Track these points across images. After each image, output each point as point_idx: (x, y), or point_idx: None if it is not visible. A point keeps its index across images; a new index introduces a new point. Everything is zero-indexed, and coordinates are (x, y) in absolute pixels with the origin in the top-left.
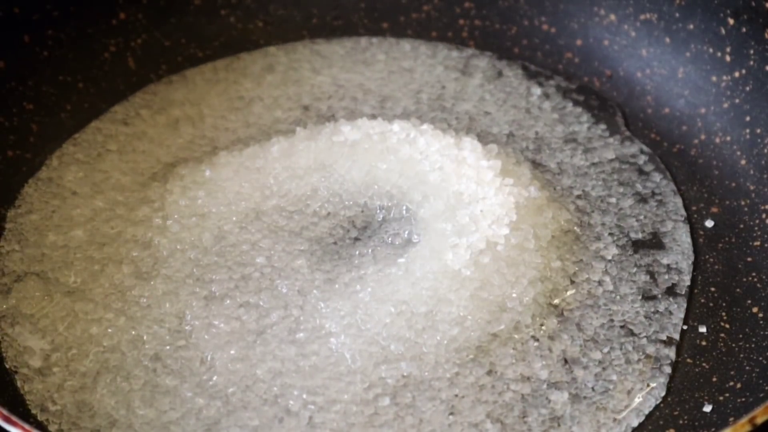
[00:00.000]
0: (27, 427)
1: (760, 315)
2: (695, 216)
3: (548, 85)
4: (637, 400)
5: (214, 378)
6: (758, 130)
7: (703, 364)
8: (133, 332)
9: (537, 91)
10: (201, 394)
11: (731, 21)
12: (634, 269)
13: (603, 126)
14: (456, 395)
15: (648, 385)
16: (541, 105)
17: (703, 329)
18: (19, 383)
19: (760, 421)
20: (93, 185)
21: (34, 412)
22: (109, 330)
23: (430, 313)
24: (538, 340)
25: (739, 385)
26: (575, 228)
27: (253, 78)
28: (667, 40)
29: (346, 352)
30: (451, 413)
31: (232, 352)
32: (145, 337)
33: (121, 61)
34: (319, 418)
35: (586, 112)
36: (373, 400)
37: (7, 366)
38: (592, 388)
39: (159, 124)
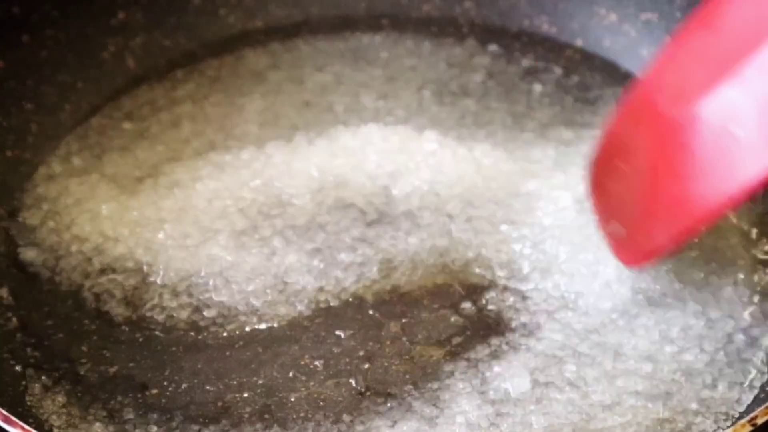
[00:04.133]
0: (26, 427)
1: None
2: None
3: (549, 82)
4: None
5: None
6: None
7: None
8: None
9: (538, 88)
10: None
11: None
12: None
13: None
14: None
15: None
16: (542, 101)
17: None
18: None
19: (760, 421)
20: (92, 185)
21: (34, 411)
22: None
23: None
24: None
25: None
26: None
27: (255, 75)
28: (668, 39)
29: None
30: None
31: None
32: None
33: (121, 61)
34: None
35: (587, 108)
36: None
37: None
38: None
39: (159, 123)
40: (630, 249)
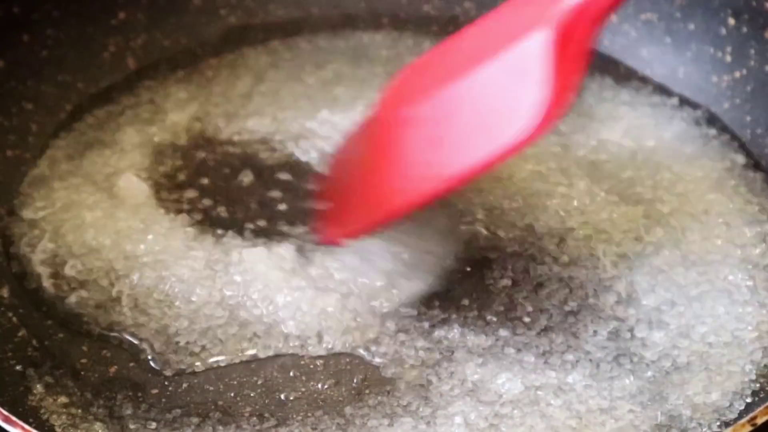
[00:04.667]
0: (27, 427)
1: None
2: None
3: None
4: None
5: None
6: (759, 131)
7: None
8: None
9: None
10: None
11: (732, 21)
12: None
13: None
14: None
15: None
16: None
17: None
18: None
19: (760, 421)
20: (87, 186)
21: (35, 411)
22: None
23: None
24: None
25: None
26: None
27: (256, 74)
28: (668, 39)
29: None
30: None
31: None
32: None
33: (121, 61)
34: None
35: (586, 104)
36: None
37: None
38: None
39: (159, 123)
40: (332, 229)
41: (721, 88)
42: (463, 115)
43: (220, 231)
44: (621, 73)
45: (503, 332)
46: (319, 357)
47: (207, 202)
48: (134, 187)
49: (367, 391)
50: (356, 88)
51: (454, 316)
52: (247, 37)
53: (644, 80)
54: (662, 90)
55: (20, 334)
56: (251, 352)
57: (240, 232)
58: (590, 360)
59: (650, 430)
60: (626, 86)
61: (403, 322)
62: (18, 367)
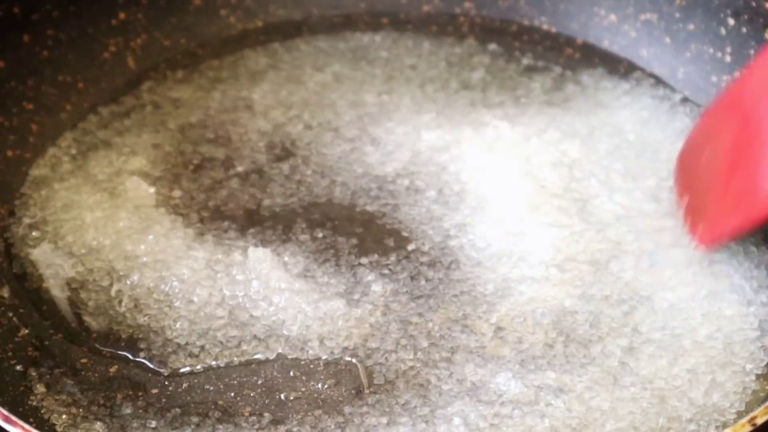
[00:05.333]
0: (27, 427)
1: None
2: None
3: (548, 79)
4: None
5: None
6: None
7: None
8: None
9: (537, 85)
10: None
11: (731, 21)
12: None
13: None
14: None
15: None
16: (540, 98)
17: None
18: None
19: (760, 421)
20: (88, 186)
21: (35, 411)
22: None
23: None
24: None
25: None
26: None
27: (256, 75)
28: (668, 40)
29: None
30: None
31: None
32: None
33: (121, 61)
34: None
35: (587, 100)
36: None
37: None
38: None
39: (159, 123)
40: (703, 230)
41: (721, 88)
42: None
43: (221, 231)
44: (620, 74)
45: (502, 333)
46: (320, 357)
47: (208, 202)
48: (137, 187)
49: (366, 391)
50: (355, 91)
51: (454, 317)
52: (248, 38)
53: (644, 75)
54: (663, 85)
55: (20, 334)
56: (251, 354)
57: (241, 231)
58: (590, 360)
59: (650, 430)
60: (628, 79)
61: (404, 324)
62: (18, 367)
